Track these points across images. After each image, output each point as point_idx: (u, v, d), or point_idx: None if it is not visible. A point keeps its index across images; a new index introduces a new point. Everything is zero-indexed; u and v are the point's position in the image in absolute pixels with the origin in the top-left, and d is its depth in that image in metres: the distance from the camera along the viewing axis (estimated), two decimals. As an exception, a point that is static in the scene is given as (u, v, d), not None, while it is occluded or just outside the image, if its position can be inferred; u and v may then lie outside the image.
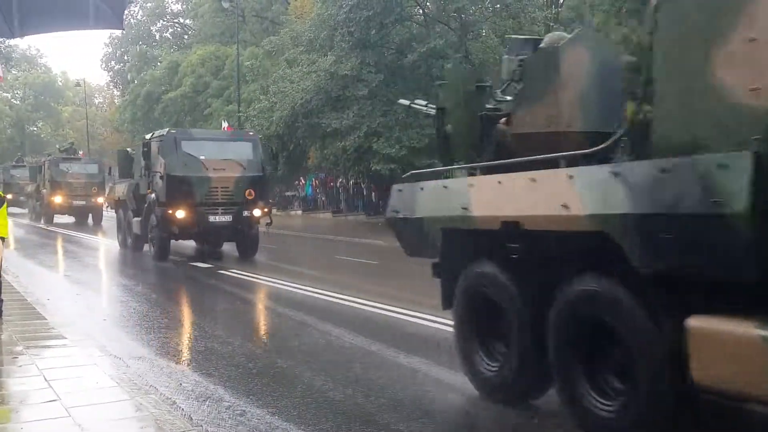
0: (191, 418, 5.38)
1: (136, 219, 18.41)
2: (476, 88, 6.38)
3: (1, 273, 9.33)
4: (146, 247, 18.10)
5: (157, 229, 16.58)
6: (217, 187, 16.48)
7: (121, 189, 20.42)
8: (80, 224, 32.74)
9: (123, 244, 20.03)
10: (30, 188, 37.61)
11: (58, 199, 32.31)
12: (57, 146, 49.45)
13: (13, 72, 77.82)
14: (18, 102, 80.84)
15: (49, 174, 32.97)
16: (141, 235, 18.10)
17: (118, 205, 21.00)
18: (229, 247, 18.64)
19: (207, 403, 5.90)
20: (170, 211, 16.03)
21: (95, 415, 5.21)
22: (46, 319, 9.02)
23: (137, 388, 5.99)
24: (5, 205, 9.33)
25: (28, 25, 4.46)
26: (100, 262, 18.85)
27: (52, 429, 4.99)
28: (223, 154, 16.86)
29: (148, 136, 18.29)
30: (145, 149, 17.48)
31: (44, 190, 33.56)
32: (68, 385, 5.96)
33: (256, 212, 16.85)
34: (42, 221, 33.82)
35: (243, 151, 17.20)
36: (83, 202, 32.69)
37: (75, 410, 5.27)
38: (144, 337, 8.76)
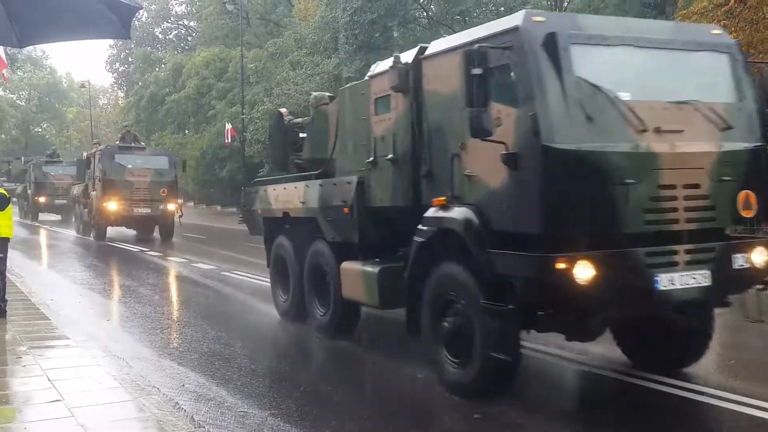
0: (193, 419, 5.40)
1: (351, 265, 7.77)
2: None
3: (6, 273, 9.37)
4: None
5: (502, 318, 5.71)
6: (675, 187, 5.75)
7: (298, 193, 8.97)
8: (143, 239, 23.56)
9: (288, 312, 9.57)
10: (76, 190, 26.92)
11: (112, 206, 22.37)
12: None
13: (18, 73, 78.11)
14: (23, 103, 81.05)
15: (101, 170, 22.97)
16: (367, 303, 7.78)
17: (274, 227, 9.97)
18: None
19: (209, 404, 5.92)
20: (563, 266, 5.31)
21: (98, 416, 5.24)
22: (49, 319, 9.06)
23: (140, 388, 6.02)
24: (10, 206, 9.41)
25: (35, 34, 4.43)
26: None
27: (55, 429, 5.03)
28: (672, 90, 6.01)
29: (433, 48, 6.91)
30: (466, 72, 5.60)
31: (93, 192, 23.50)
32: (71, 385, 6.00)
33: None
34: (91, 235, 23.83)
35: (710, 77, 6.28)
36: (148, 210, 22.80)
37: (78, 410, 5.30)
38: (147, 338, 8.80)
